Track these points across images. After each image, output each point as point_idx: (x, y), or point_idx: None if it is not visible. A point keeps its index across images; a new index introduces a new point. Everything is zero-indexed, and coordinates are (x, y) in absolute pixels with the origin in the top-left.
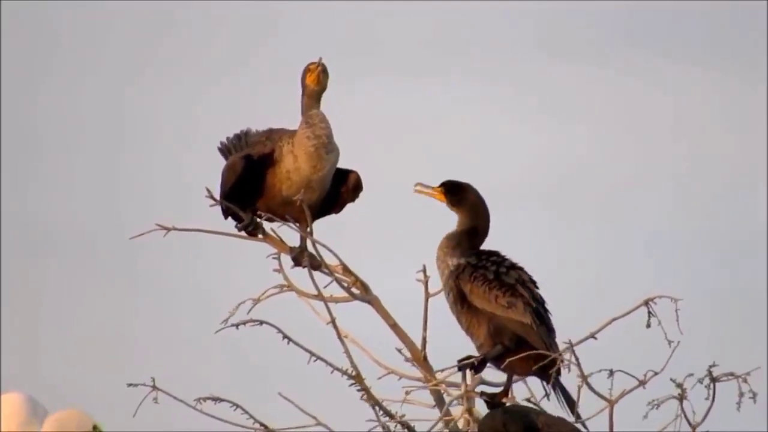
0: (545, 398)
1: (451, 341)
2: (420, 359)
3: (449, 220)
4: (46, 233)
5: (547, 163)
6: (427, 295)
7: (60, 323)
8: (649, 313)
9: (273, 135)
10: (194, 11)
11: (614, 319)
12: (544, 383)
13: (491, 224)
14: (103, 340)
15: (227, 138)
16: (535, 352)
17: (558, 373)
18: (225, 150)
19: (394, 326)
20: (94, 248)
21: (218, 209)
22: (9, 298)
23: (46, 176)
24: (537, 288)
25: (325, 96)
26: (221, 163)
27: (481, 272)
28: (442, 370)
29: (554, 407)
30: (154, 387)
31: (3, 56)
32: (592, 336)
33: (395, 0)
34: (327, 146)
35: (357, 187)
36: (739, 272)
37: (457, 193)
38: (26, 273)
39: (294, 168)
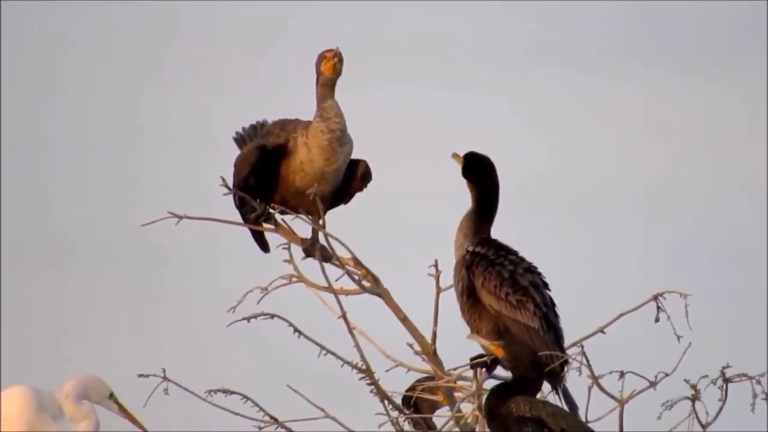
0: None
1: (460, 336)
2: (429, 353)
3: (461, 214)
4: (65, 238)
5: (521, 165)
6: (439, 290)
7: (81, 326)
8: (658, 308)
9: (287, 126)
10: (209, 13)
11: (623, 314)
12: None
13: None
14: (122, 335)
15: (243, 128)
16: (544, 353)
17: (564, 379)
18: (240, 140)
19: (404, 319)
20: (113, 251)
21: (232, 203)
22: (27, 301)
23: (63, 183)
24: (549, 291)
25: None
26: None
27: (497, 269)
28: (456, 369)
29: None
30: (165, 378)
31: (18, 62)
32: (601, 330)
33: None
34: (341, 140)
35: (366, 176)
36: (734, 273)
37: (470, 163)
38: (47, 277)
39: (308, 160)
